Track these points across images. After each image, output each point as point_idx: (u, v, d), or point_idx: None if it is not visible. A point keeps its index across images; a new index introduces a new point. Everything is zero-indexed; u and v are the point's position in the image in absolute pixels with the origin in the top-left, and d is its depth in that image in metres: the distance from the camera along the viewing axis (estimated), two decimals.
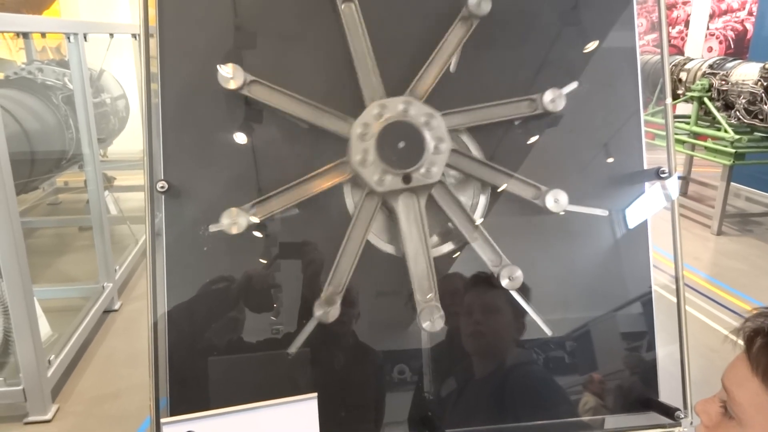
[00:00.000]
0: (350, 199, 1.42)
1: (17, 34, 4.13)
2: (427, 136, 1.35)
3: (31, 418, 3.07)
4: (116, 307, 4.34)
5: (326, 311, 1.33)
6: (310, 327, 1.35)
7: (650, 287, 1.52)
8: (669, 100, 1.58)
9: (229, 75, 1.30)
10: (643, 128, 1.51)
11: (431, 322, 1.35)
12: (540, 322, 1.45)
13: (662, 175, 1.50)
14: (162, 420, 1.09)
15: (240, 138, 1.38)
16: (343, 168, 1.38)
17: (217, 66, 1.30)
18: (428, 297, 1.36)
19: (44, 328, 3.41)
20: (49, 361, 3.20)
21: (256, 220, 1.33)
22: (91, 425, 3.08)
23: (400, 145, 1.34)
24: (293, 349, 1.36)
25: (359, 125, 1.34)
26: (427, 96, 1.39)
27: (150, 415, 1.33)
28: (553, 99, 1.42)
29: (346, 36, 1.37)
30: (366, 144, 1.34)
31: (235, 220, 1.31)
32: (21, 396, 3.03)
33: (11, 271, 2.86)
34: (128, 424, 3.05)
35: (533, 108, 1.43)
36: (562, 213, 1.46)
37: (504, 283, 1.40)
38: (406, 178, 1.35)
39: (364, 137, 1.34)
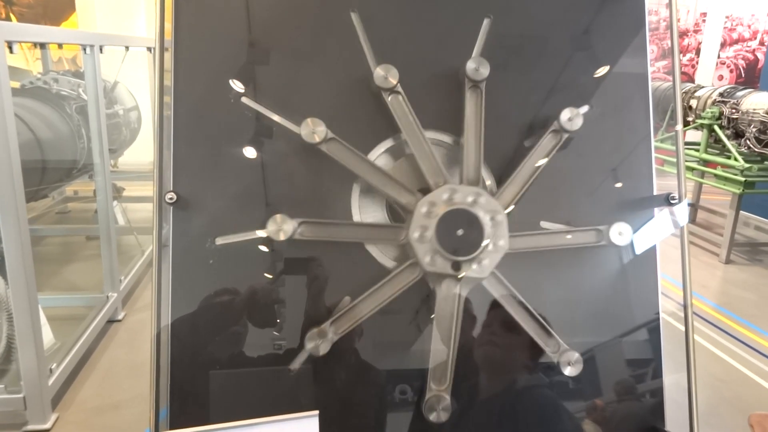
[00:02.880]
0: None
1: (35, 44, 4.18)
2: (488, 231, 1.36)
3: (30, 427, 3.05)
4: (120, 317, 4.34)
5: (317, 344, 1.32)
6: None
7: (658, 314, 1.50)
8: (680, 126, 1.58)
9: (313, 130, 1.33)
10: (654, 154, 1.51)
11: (437, 413, 1.35)
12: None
13: (672, 201, 1.49)
14: None
15: (250, 153, 1.39)
16: (398, 232, 1.39)
17: (304, 121, 1.33)
18: (441, 387, 1.36)
19: (47, 336, 3.40)
20: (51, 370, 3.19)
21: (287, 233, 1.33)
22: None
23: (459, 232, 1.35)
24: (296, 365, 1.35)
25: (426, 203, 1.36)
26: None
27: (149, 427, 1.32)
28: (570, 118, 1.44)
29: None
30: (428, 222, 1.35)
31: (280, 227, 1.32)
32: (21, 404, 3.01)
33: (17, 278, 2.87)
34: None
35: (558, 138, 1.44)
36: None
37: (566, 371, 1.41)
38: (456, 266, 1.36)
39: (428, 215, 1.35)
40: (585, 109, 1.46)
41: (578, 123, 1.43)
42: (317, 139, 1.33)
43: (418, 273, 1.37)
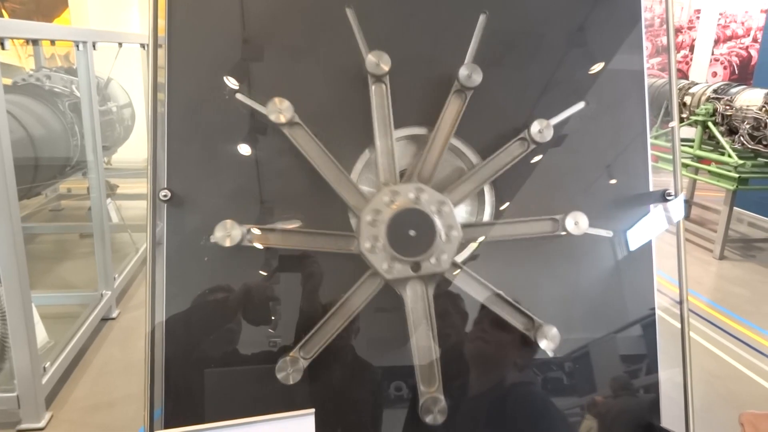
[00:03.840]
0: (355, 220, 1.41)
1: (27, 40, 4.15)
2: (438, 224, 1.34)
3: (24, 426, 3.03)
4: (114, 315, 4.32)
5: (288, 373, 1.30)
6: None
7: (654, 310, 1.50)
8: (676, 121, 1.58)
9: (281, 110, 1.31)
10: (650, 151, 1.51)
11: (433, 415, 1.33)
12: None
13: (668, 198, 1.49)
14: None
15: (244, 150, 1.38)
16: (350, 241, 1.36)
17: (272, 100, 1.31)
18: (431, 389, 1.35)
19: (41, 334, 3.38)
20: (45, 368, 3.17)
21: (253, 233, 1.31)
22: None
23: (411, 233, 1.33)
24: None
25: (370, 212, 1.33)
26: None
27: (144, 425, 1.31)
28: (540, 130, 1.42)
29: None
30: (376, 230, 1.33)
31: (228, 233, 1.29)
32: (15, 403, 3.00)
33: (10, 276, 2.84)
34: None
35: (525, 147, 1.43)
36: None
37: (543, 345, 1.38)
38: (416, 266, 1.34)
39: (374, 224, 1.33)
40: (555, 120, 1.44)
41: (549, 135, 1.41)
42: (283, 120, 1.31)
43: (380, 281, 1.35)
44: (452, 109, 1.40)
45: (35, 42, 4.87)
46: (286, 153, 1.38)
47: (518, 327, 1.39)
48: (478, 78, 1.37)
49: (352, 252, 1.35)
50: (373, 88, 1.36)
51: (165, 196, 1.33)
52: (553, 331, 1.38)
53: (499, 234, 1.43)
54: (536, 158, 1.48)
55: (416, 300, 1.36)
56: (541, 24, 1.49)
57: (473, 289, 1.40)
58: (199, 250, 1.34)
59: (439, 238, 1.34)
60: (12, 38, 3.00)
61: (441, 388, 1.34)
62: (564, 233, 1.43)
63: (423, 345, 1.36)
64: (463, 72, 1.36)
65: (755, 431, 0.95)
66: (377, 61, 1.34)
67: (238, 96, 1.34)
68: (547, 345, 1.39)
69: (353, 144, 1.41)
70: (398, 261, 1.33)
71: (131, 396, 3.30)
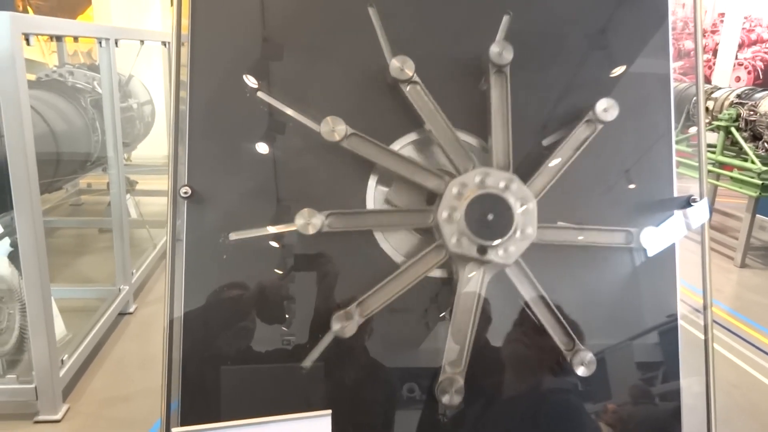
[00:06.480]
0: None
1: (51, 37, 4.20)
2: (518, 219, 1.35)
3: (41, 417, 3.07)
4: (131, 310, 4.36)
5: (343, 326, 1.31)
6: (326, 341, 1.33)
7: (676, 318, 1.48)
8: (702, 124, 1.55)
9: (333, 128, 1.32)
10: (674, 156, 1.49)
11: (450, 395, 1.34)
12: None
13: (693, 203, 1.47)
14: (173, 430, 1.08)
15: (265, 148, 1.38)
16: (425, 216, 1.38)
17: (324, 120, 1.32)
18: (455, 371, 1.35)
19: (59, 327, 3.42)
20: (62, 361, 3.21)
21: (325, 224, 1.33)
22: (100, 427, 3.08)
23: (489, 217, 1.34)
24: (308, 362, 1.34)
25: (457, 184, 1.35)
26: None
27: (161, 417, 1.32)
28: (606, 108, 1.42)
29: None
30: (458, 203, 1.34)
31: (309, 221, 1.31)
32: (33, 394, 3.04)
33: (31, 269, 2.88)
34: (137, 428, 3.04)
35: (593, 128, 1.43)
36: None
37: (579, 371, 1.39)
38: (482, 250, 1.34)
39: (458, 197, 1.34)
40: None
41: (614, 113, 1.41)
42: (337, 138, 1.33)
43: (444, 255, 1.37)
44: (497, 91, 1.40)
45: (59, 38, 4.93)
46: (307, 150, 1.38)
47: (559, 345, 1.40)
48: (509, 55, 1.36)
49: (427, 225, 1.38)
50: (408, 89, 1.37)
51: (185, 193, 1.33)
52: (589, 356, 1.39)
53: (571, 239, 1.44)
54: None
55: (470, 283, 1.37)
56: (564, 26, 1.47)
57: (525, 290, 1.41)
58: (219, 247, 1.34)
59: (513, 231, 1.34)
60: (37, 34, 3.03)
61: (464, 372, 1.35)
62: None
63: (461, 327, 1.36)
64: (494, 50, 1.36)
65: None
66: (401, 66, 1.34)
67: (290, 112, 1.36)
68: (583, 371, 1.39)
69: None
70: (468, 238, 1.34)
71: (147, 390, 3.32)
